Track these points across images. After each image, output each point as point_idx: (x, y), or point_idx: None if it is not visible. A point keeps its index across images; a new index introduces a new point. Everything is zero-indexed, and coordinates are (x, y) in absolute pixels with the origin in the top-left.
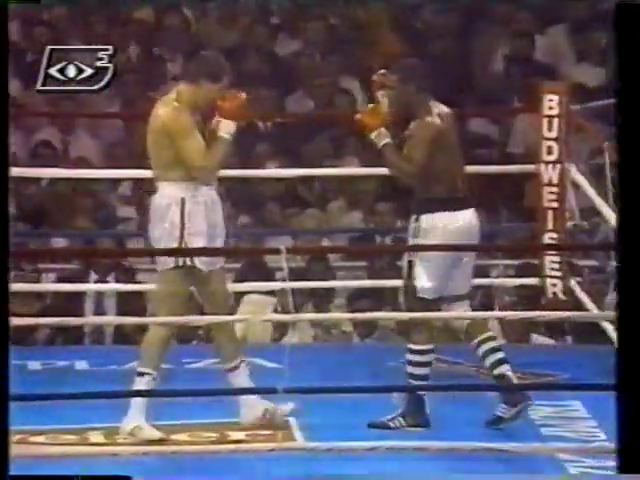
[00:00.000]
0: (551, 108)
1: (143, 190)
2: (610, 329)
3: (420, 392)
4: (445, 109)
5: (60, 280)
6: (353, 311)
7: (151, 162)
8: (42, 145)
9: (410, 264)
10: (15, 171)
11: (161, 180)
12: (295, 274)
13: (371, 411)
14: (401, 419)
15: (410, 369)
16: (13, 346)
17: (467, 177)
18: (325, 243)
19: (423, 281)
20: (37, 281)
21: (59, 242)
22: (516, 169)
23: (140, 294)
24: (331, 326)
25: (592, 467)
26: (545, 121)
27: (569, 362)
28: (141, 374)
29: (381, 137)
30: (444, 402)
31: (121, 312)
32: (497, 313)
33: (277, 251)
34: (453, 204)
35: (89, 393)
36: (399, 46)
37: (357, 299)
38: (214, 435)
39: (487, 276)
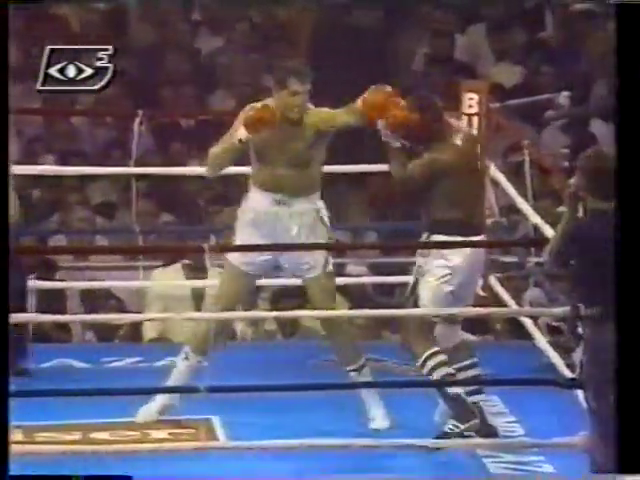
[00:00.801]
0: (471, 107)
1: None
2: (529, 324)
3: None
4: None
5: None
6: (277, 309)
7: None
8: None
9: (415, 282)
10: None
11: None
12: None
13: (294, 408)
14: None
15: (437, 374)
16: None
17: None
18: None
19: (424, 301)
20: None
21: None
22: None
23: (59, 292)
24: (256, 324)
25: (511, 462)
26: (465, 119)
27: (491, 358)
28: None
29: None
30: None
31: (41, 310)
32: (418, 310)
33: (201, 249)
34: (468, 229)
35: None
36: (320, 45)
37: (281, 297)
38: (136, 434)
39: (407, 273)
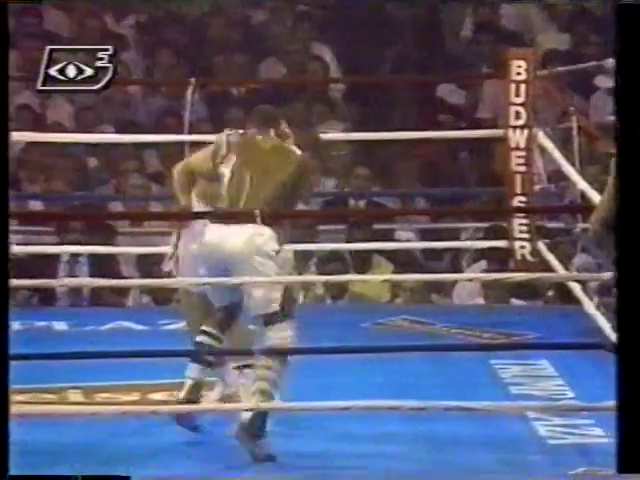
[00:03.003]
0: (519, 74)
1: None
2: (577, 289)
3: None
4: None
5: (32, 243)
6: (324, 273)
7: None
8: (22, 109)
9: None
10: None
11: None
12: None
13: (346, 371)
14: None
15: None
16: None
17: None
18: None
19: None
20: None
21: (36, 205)
22: (484, 134)
23: (113, 257)
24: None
25: (560, 425)
26: (513, 87)
27: (540, 322)
28: None
29: None
30: (417, 362)
31: (94, 275)
32: (466, 275)
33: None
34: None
35: (87, 353)
36: (368, 12)
37: (327, 261)
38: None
39: (457, 239)
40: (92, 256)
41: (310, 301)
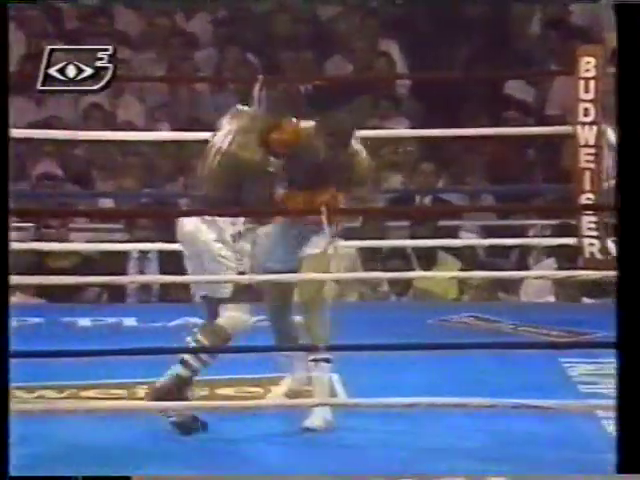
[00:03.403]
0: (587, 70)
1: None
2: None
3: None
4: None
5: (97, 240)
6: (388, 270)
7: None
8: (93, 108)
9: None
10: (64, 134)
11: None
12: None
13: (413, 368)
14: None
15: None
16: (63, 303)
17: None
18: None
19: None
20: (67, 238)
21: (106, 203)
22: (553, 130)
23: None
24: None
25: None
26: (582, 83)
27: (610, 320)
28: None
29: None
30: (483, 360)
31: (163, 272)
32: (535, 272)
33: (318, 212)
34: None
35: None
36: (436, 8)
37: (390, 258)
38: (259, 390)
39: (525, 236)
40: (161, 253)
41: (374, 298)
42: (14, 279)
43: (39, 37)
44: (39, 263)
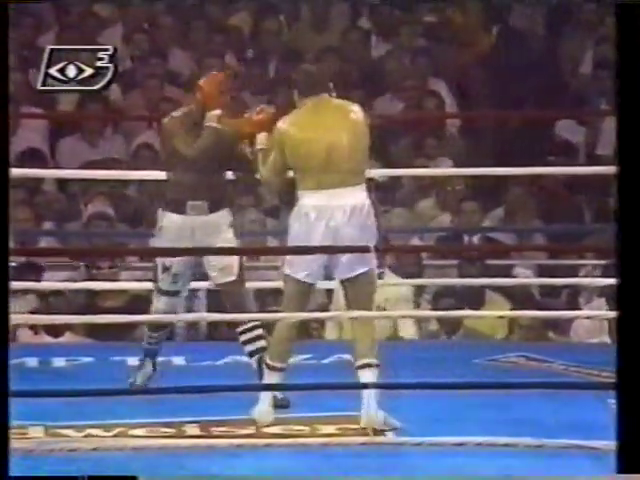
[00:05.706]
0: None
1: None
2: None
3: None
4: None
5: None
6: (438, 309)
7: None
8: (143, 147)
9: None
10: (117, 174)
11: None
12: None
13: (460, 406)
14: None
15: None
16: (112, 342)
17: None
18: (414, 242)
19: None
20: (116, 278)
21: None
22: (603, 170)
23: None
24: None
25: None
26: None
27: None
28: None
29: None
30: (534, 400)
31: (211, 310)
32: (585, 312)
33: (367, 249)
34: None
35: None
36: (490, 47)
37: (441, 297)
38: (305, 428)
39: (575, 276)
40: (210, 291)
41: (424, 337)
42: (63, 318)
43: None
44: (90, 303)
